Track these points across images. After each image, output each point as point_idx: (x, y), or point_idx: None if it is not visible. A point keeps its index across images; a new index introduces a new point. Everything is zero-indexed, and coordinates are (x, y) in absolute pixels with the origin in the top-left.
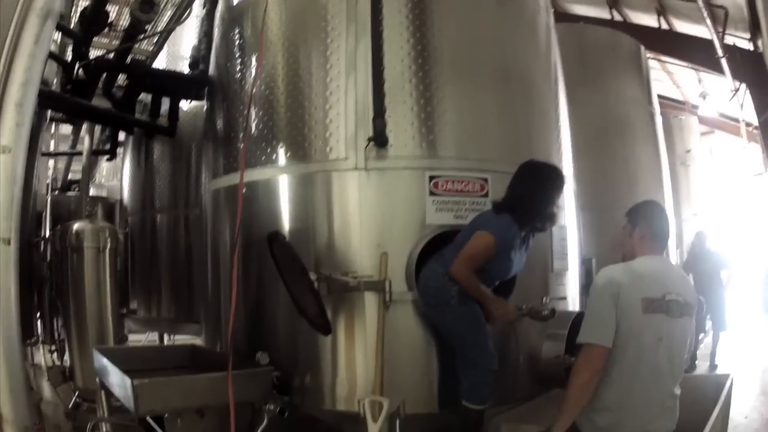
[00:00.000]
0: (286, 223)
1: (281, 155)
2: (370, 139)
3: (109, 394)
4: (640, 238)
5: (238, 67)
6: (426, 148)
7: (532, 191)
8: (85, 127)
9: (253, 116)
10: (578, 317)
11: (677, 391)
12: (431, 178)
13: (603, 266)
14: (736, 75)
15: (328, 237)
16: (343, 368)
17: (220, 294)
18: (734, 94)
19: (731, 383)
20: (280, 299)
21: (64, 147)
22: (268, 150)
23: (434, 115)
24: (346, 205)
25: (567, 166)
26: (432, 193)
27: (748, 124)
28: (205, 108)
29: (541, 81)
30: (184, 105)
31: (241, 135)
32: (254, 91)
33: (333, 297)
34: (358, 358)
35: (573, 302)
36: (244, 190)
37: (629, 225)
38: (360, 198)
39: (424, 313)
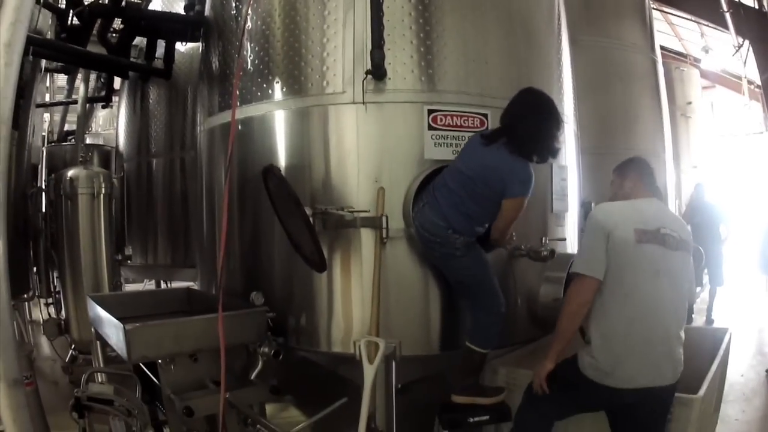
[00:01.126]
0: (281, 159)
1: (277, 90)
2: (368, 72)
3: (105, 345)
4: (632, 187)
5: (234, 4)
6: (425, 81)
7: (539, 127)
8: (80, 76)
9: (249, 52)
10: None
11: (682, 334)
12: (430, 112)
13: None
14: (740, 31)
15: (325, 172)
16: (338, 308)
17: (215, 235)
18: (737, 50)
19: (729, 337)
20: (276, 238)
21: (60, 99)
22: (264, 85)
23: (434, 48)
24: (342, 139)
25: (568, 106)
26: (431, 128)
27: (750, 82)
28: (200, 49)
29: (543, 20)
30: (181, 47)
31: (235, 69)
32: (249, 25)
33: (329, 233)
34: (354, 298)
35: (572, 244)
36: (239, 127)
37: (618, 179)
38: (357, 132)
39: (424, 256)
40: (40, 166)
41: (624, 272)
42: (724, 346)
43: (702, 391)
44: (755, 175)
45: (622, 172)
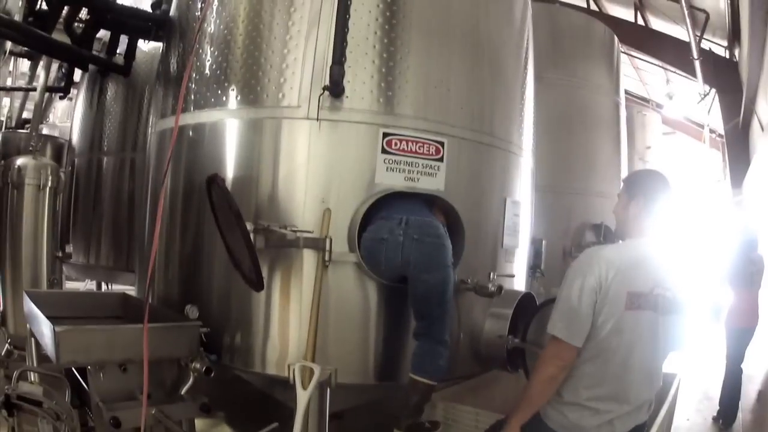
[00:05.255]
0: (230, 170)
1: (232, 98)
2: (325, 88)
3: (39, 342)
4: (635, 215)
5: (200, 5)
6: (383, 103)
7: None
8: (42, 63)
9: (208, 56)
10: (524, 298)
11: (653, 396)
12: (385, 135)
13: (553, 249)
14: (708, 80)
15: (272, 188)
16: (275, 329)
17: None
18: (703, 98)
19: (678, 383)
20: (217, 251)
21: (21, 85)
22: (219, 92)
23: (396, 70)
24: (293, 155)
25: (527, 141)
26: (384, 151)
27: (712, 131)
28: (161, 49)
29: (511, 54)
30: (144, 46)
31: (193, 74)
32: (211, 29)
33: (270, 252)
34: (292, 320)
35: (520, 281)
36: (190, 133)
37: (626, 196)
38: (309, 149)
39: (387, 281)
40: None
41: (601, 332)
42: (673, 391)
43: None
44: (710, 222)
45: (631, 189)
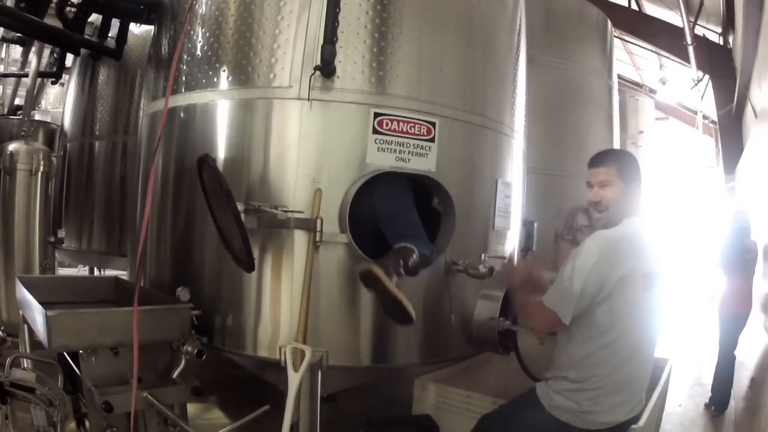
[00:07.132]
0: (221, 151)
1: (223, 79)
2: (316, 68)
3: (32, 329)
4: (632, 199)
5: None
6: (375, 83)
7: None
8: (34, 48)
9: (200, 37)
10: None
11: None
12: (376, 115)
13: (545, 230)
14: (701, 66)
15: (263, 168)
16: (266, 311)
17: (148, 224)
18: (696, 84)
19: (670, 368)
20: (208, 233)
21: (14, 71)
22: (210, 73)
23: (387, 50)
24: (284, 135)
25: (519, 123)
26: (375, 131)
27: (705, 117)
28: (153, 31)
29: (503, 35)
30: (135, 30)
31: (184, 56)
32: (203, 10)
33: (261, 232)
34: (283, 301)
35: (511, 263)
36: (182, 115)
37: (621, 182)
38: (300, 129)
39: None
40: None
41: (620, 319)
42: (665, 376)
43: (642, 421)
44: (701, 208)
45: (625, 174)
